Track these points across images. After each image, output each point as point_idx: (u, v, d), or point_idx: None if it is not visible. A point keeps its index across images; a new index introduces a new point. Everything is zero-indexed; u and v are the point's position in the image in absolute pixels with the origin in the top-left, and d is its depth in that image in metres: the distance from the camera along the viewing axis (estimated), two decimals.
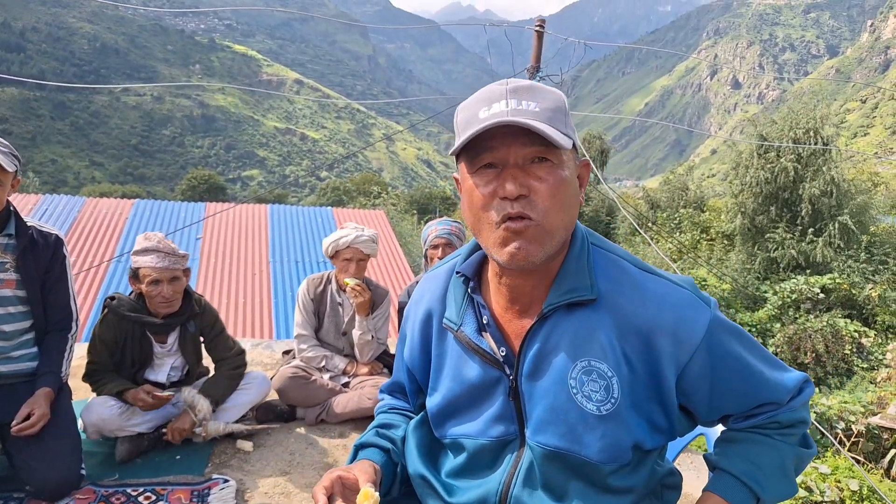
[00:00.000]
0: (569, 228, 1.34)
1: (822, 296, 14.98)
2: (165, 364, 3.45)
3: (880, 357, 13.21)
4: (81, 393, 3.58)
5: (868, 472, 6.79)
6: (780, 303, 15.20)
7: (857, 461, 7.06)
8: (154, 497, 2.98)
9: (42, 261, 3.01)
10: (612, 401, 1.34)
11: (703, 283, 16.34)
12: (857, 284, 15.32)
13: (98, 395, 3.30)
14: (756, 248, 17.88)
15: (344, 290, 3.95)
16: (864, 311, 15.03)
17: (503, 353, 1.42)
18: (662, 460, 1.54)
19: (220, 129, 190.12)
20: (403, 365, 1.69)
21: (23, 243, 2.93)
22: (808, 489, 5.09)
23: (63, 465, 2.86)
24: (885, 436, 8.69)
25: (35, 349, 3.04)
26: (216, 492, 3.04)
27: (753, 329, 14.62)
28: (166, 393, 3.32)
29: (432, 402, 1.56)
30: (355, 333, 3.97)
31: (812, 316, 14.51)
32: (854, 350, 13.43)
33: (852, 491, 5.26)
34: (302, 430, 3.78)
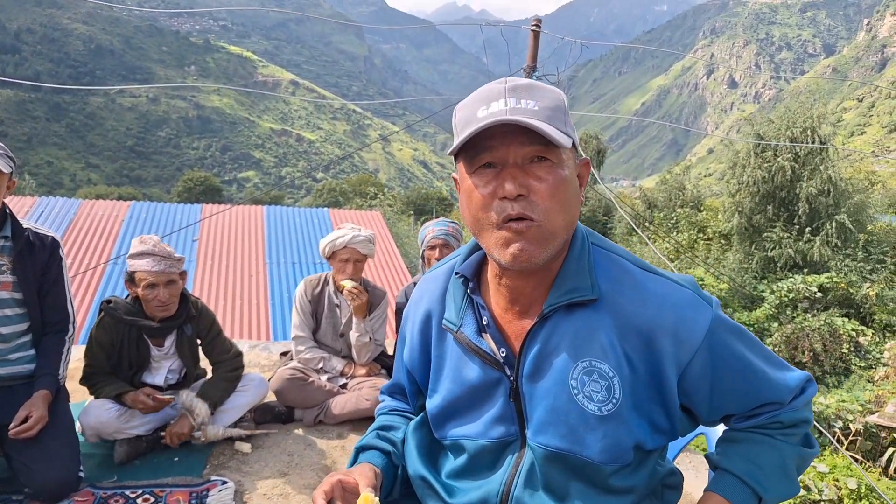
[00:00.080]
0: (570, 228, 1.33)
1: (819, 295, 15.00)
2: (163, 367, 3.44)
3: (878, 356, 13.22)
4: (78, 395, 3.57)
5: (866, 470, 6.79)
6: (777, 302, 15.22)
7: (856, 460, 7.07)
8: (153, 499, 2.98)
9: (38, 263, 3.00)
10: (614, 401, 1.34)
11: (701, 282, 16.35)
12: (855, 283, 15.34)
13: (96, 397, 3.29)
14: (753, 247, 17.90)
15: (341, 292, 3.94)
16: (861, 310, 15.05)
17: (503, 354, 1.41)
18: (663, 460, 1.54)
19: (216, 130, 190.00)
20: (403, 366, 1.68)
21: (19, 245, 2.92)
22: (807, 488, 5.09)
23: (61, 467, 2.85)
24: (883, 434, 8.70)
25: (32, 351, 3.03)
26: (215, 493, 3.03)
27: (751, 329, 14.60)
28: (167, 396, 3.32)
29: (432, 403, 1.55)
30: (353, 335, 3.96)
31: (810, 315, 14.53)
32: (852, 349, 13.45)
33: (850, 489, 5.26)
34: (300, 431, 3.77)
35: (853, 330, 13.78)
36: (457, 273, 1.49)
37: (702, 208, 25.15)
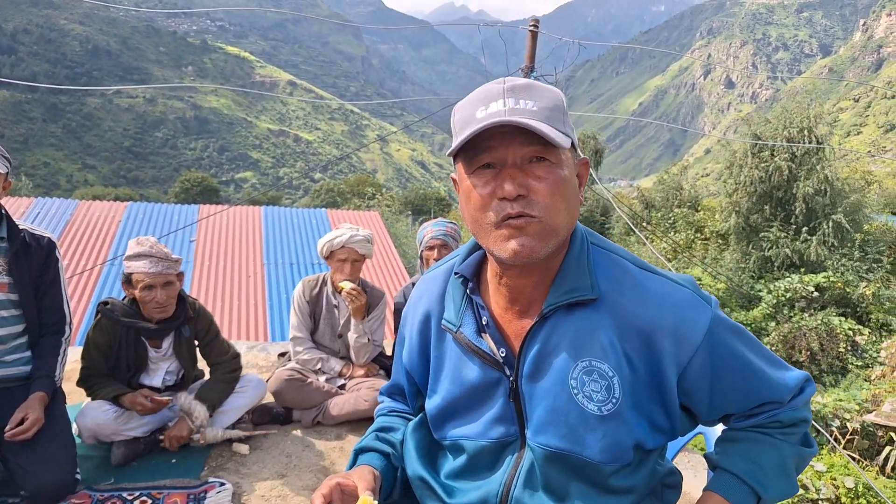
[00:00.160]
0: (569, 227, 1.33)
1: (816, 294, 15.02)
2: (161, 368, 3.44)
3: (875, 355, 13.23)
4: (75, 397, 3.56)
5: (864, 469, 6.80)
6: (774, 301, 15.24)
7: (853, 458, 7.08)
8: (150, 501, 2.97)
9: (35, 264, 2.99)
10: (614, 401, 1.33)
11: (699, 282, 16.22)
12: (851, 283, 15.35)
13: (93, 399, 3.28)
14: (750, 247, 17.90)
15: (340, 293, 3.94)
16: (858, 310, 15.06)
17: (503, 354, 1.41)
18: (663, 460, 1.54)
19: (214, 131, 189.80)
20: (402, 367, 1.68)
21: (15, 246, 2.91)
22: (805, 487, 5.10)
23: (58, 469, 2.84)
24: (880, 433, 8.71)
25: (28, 353, 3.02)
26: (212, 495, 3.03)
27: (748, 328, 14.64)
28: (164, 397, 3.31)
29: (431, 403, 1.55)
30: (351, 336, 3.96)
31: (807, 314, 14.55)
32: (848, 348, 13.47)
33: (848, 488, 5.26)
34: (298, 432, 3.77)
35: (850, 329, 13.80)
36: (456, 273, 1.49)
37: (699, 208, 25.14)
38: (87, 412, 3.20)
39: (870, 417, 8.89)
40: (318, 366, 4.01)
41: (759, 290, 16.11)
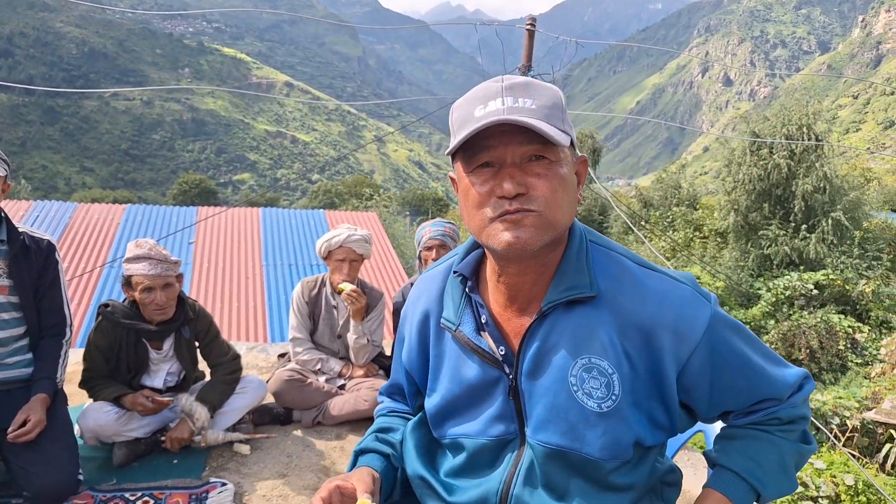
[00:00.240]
0: (567, 224, 1.33)
1: (815, 292, 15.03)
2: (161, 370, 3.44)
3: (874, 352, 13.24)
4: (76, 399, 3.57)
5: (864, 466, 6.81)
6: (773, 299, 15.24)
7: (853, 456, 7.09)
8: (152, 501, 2.98)
9: (34, 266, 3.00)
10: (613, 398, 1.34)
11: (698, 280, 16.31)
12: (851, 280, 15.36)
13: (95, 400, 3.29)
14: (749, 245, 17.92)
15: (339, 293, 3.94)
16: (857, 307, 15.07)
17: (502, 353, 1.41)
18: (662, 457, 1.54)
19: (211, 132, 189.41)
20: (402, 367, 1.68)
21: (14, 249, 2.92)
22: (804, 484, 5.11)
23: (60, 470, 2.85)
24: (880, 431, 8.72)
25: (29, 355, 3.03)
26: (214, 495, 3.03)
27: (748, 326, 14.63)
28: (165, 398, 3.32)
29: (431, 402, 1.55)
30: (350, 337, 3.96)
31: (806, 312, 14.56)
32: (848, 346, 13.48)
33: (847, 486, 5.27)
34: (299, 432, 3.77)
35: (849, 327, 13.82)
36: (455, 272, 1.49)
37: (698, 206, 25.15)
38: (88, 413, 3.20)
39: (869, 415, 8.91)
40: (318, 366, 4.01)
41: (759, 289, 16.12)
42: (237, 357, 3.62)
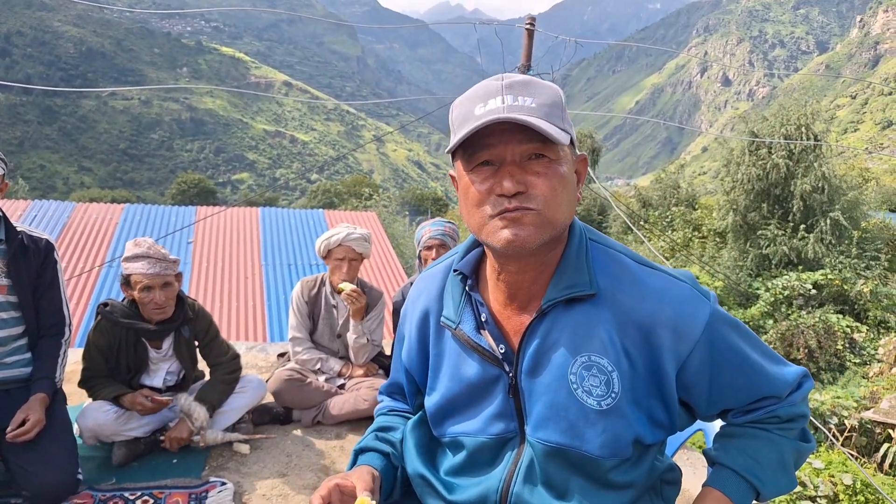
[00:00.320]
0: (566, 222, 1.34)
1: (814, 292, 15.03)
2: (161, 369, 3.44)
3: (872, 352, 13.25)
4: (76, 398, 3.57)
5: (862, 466, 6.81)
6: (772, 299, 15.25)
7: (851, 456, 7.09)
8: (151, 501, 2.98)
9: (33, 266, 3.00)
10: (613, 395, 1.34)
11: (696, 280, 16.35)
12: (849, 280, 15.36)
13: (94, 400, 3.29)
14: (748, 244, 17.91)
15: (338, 293, 3.94)
16: (855, 307, 15.07)
17: (502, 351, 1.42)
18: (662, 456, 1.55)
19: (209, 132, 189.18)
20: (402, 366, 1.68)
21: (13, 248, 2.92)
22: (803, 484, 5.11)
23: (60, 469, 2.84)
24: (878, 430, 8.73)
25: (28, 355, 3.03)
26: (214, 495, 3.03)
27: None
28: (165, 397, 3.32)
29: (431, 401, 1.55)
30: (350, 337, 3.96)
31: (804, 312, 14.56)
32: (846, 345, 13.48)
33: (846, 485, 5.27)
34: (298, 432, 3.78)
35: (848, 326, 13.82)
36: (455, 270, 1.49)
37: (696, 206, 25.16)
38: (87, 413, 3.20)
39: (868, 414, 8.91)
40: (318, 366, 4.01)
41: (757, 288, 16.13)
42: (236, 357, 3.62)
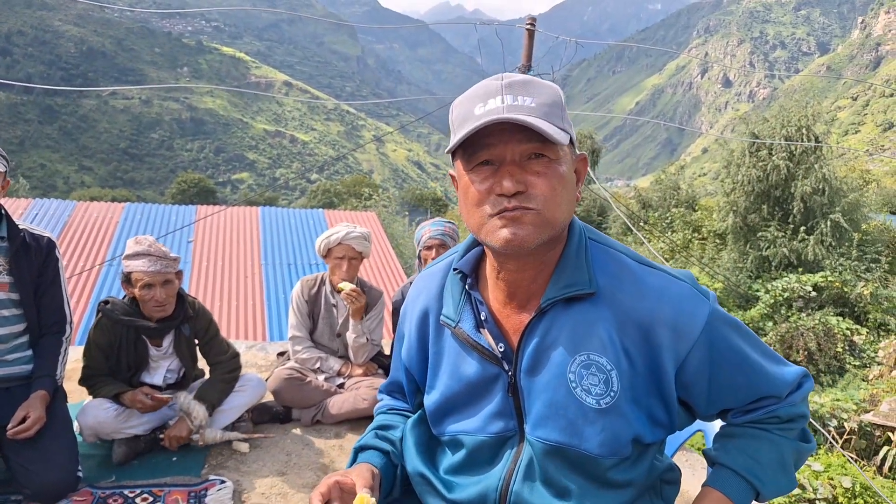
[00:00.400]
0: (566, 222, 1.34)
1: (814, 294, 15.02)
2: (161, 367, 3.45)
3: (872, 355, 13.23)
4: (76, 396, 3.57)
5: (861, 469, 6.81)
6: (772, 301, 15.23)
7: (851, 459, 7.10)
8: (151, 498, 2.98)
9: (35, 264, 3.00)
10: (612, 394, 1.34)
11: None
12: (849, 282, 15.34)
13: (94, 397, 3.29)
14: (748, 246, 17.90)
15: (338, 292, 3.94)
16: (855, 309, 15.05)
17: (502, 350, 1.42)
18: (661, 455, 1.55)
19: (210, 132, 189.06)
20: (401, 364, 1.68)
21: (15, 246, 2.92)
22: (802, 486, 5.12)
23: (60, 467, 2.85)
24: (878, 433, 8.72)
25: (29, 352, 3.03)
26: (213, 493, 3.04)
27: None
28: (165, 395, 3.32)
29: (430, 399, 1.55)
30: (349, 336, 3.97)
31: (804, 314, 14.54)
32: (846, 348, 13.46)
33: (845, 488, 5.27)
34: (298, 431, 3.78)
35: (848, 329, 13.80)
36: (455, 269, 1.50)
37: (696, 208, 25.16)
38: (87, 410, 3.21)
39: (867, 417, 8.90)
40: (317, 365, 4.01)
41: (757, 290, 16.11)
42: (236, 355, 3.62)
